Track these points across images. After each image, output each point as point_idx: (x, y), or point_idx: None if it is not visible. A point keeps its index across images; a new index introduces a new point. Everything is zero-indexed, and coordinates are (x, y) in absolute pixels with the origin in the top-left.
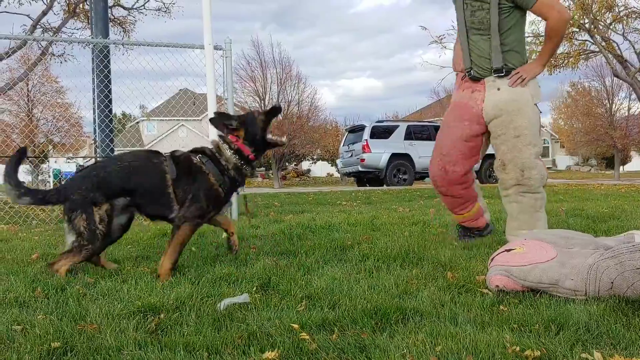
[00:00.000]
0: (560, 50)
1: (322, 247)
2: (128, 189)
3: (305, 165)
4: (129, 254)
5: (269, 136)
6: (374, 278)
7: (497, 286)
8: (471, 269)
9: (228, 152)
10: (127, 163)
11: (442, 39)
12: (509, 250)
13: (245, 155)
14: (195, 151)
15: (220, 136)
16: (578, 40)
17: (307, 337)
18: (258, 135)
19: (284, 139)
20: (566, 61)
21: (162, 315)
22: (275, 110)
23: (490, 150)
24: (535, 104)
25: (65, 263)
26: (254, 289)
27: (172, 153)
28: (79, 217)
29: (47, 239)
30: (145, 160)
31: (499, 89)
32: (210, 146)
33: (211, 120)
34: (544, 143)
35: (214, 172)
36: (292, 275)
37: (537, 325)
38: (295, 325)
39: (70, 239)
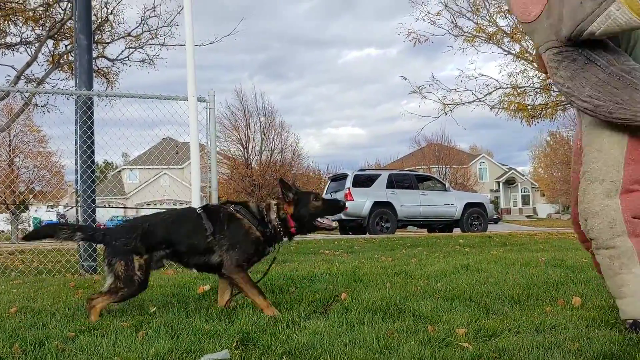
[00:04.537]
0: (538, 101)
1: (304, 299)
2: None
3: None
4: (108, 307)
5: (318, 221)
6: (356, 332)
7: None
8: (452, 322)
9: (273, 215)
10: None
11: (422, 89)
12: None
13: (289, 226)
14: (238, 203)
15: (278, 199)
16: (555, 92)
17: None
18: (306, 217)
19: (334, 224)
20: (544, 112)
21: None
22: (337, 208)
23: (471, 199)
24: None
25: (102, 301)
26: (234, 344)
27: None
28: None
29: (25, 292)
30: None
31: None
32: (257, 202)
33: (280, 181)
34: (524, 191)
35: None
36: (272, 329)
37: None
38: None
39: (108, 281)
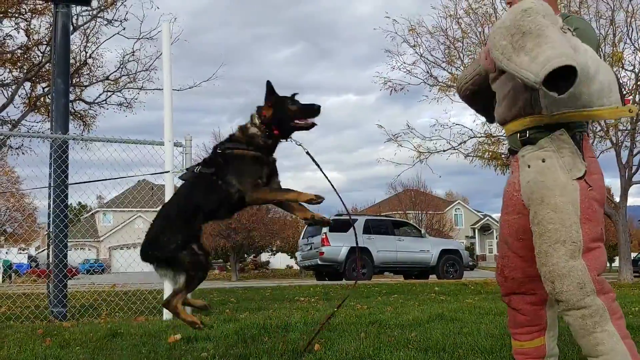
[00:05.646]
0: None
1: (277, 350)
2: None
3: (264, 256)
4: (76, 357)
5: (295, 121)
6: None
7: None
8: None
9: (257, 121)
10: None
11: (397, 137)
12: None
13: (270, 129)
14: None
15: (258, 107)
16: None
17: None
18: (283, 119)
19: (309, 120)
20: None
21: None
22: (311, 111)
23: (447, 245)
24: (578, 179)
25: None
26: None
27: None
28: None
29: None
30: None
31: (529, 166)
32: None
33: (267, 83)
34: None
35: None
36: None
37: None
38: None
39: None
